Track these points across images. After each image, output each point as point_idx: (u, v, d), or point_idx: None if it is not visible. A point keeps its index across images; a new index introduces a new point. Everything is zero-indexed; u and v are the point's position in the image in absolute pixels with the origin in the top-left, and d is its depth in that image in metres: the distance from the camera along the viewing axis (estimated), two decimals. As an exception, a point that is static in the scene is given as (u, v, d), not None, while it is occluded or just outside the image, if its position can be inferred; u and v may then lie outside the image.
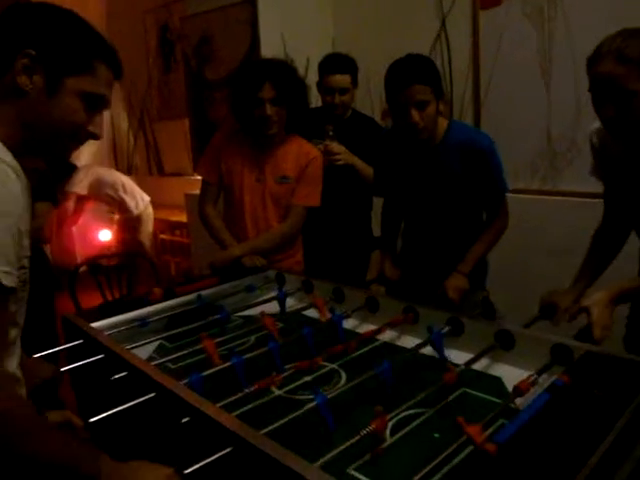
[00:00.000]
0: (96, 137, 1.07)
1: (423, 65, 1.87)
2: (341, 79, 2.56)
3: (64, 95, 0.99)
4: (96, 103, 1.05)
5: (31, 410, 0.92)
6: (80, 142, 1.07)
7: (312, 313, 1.76)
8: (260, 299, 1.91)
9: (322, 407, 1.10)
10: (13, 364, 1.03)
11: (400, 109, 1.86)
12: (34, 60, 0.96)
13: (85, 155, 5.50)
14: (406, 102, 1.83)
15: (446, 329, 1.48)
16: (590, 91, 1.45)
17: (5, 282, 0.88)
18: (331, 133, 2.53)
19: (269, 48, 3.28)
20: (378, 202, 2.73)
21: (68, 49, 0.99)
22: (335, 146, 2.52)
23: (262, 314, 1.60)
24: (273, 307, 1.81)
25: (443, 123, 1.98)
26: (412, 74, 1.83)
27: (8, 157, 0.92)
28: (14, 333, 1.02)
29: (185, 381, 1.21)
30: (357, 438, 1.00)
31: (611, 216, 1.77)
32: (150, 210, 4.94)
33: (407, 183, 2.11)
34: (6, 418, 0.85)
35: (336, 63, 2.60)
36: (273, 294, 1.90)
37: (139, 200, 4.80)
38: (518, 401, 1.17)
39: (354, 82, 2.63)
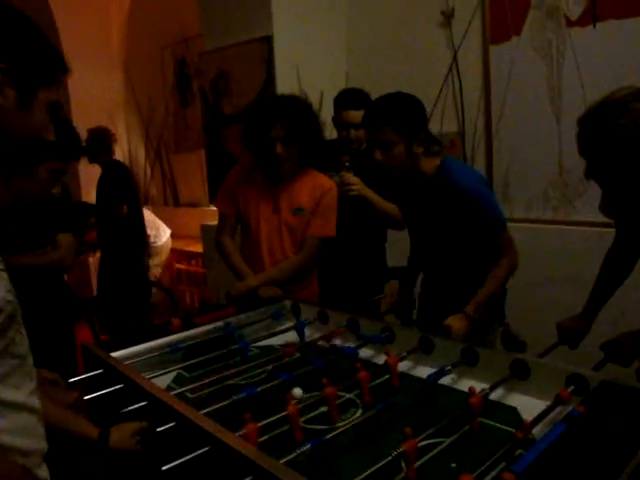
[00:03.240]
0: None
1: (389, 105, 1.88)
2: (355, 115, 2.60)
3: (36, 107, 0.99)
4: (55, 110, 1.05)
5: None
6: (39, 152, 1.09)
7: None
8: (277, 329, 1.94)
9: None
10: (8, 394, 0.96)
11: (369, 147, 1.94)
12: (5, 73, 0.94)
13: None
14: (371, 141, 1.91)
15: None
16: None
17: None
18: (347, 164, 2.57)
19: (284, 82, 3.36)
20: (392, 234, 2.77)
21: (39, 62, 0.99)
22: (350, 177, 2.56)
23: (287, 345, 1.62)
24: (289, 337, 1.83)
25: (435, 161, 1.97)
26: (374, 114, 1.89)
27: None
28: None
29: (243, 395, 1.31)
30: (388, 459, 1.02)
31: (622, 238, 1.79)
32: (169, 243, 5.05)
33: (413, 218, 2.14)
34: None
35: (350, 99, 2.65)
36: (290, 324, 1.93)
37: (161, 232, 4.93)
38: (535, 431, 1.17)
39: None
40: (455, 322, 1.84)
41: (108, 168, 4.20)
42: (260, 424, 1.16)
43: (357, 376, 1.40)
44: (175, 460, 1.06)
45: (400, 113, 1.87)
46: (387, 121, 1.85)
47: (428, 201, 2.01)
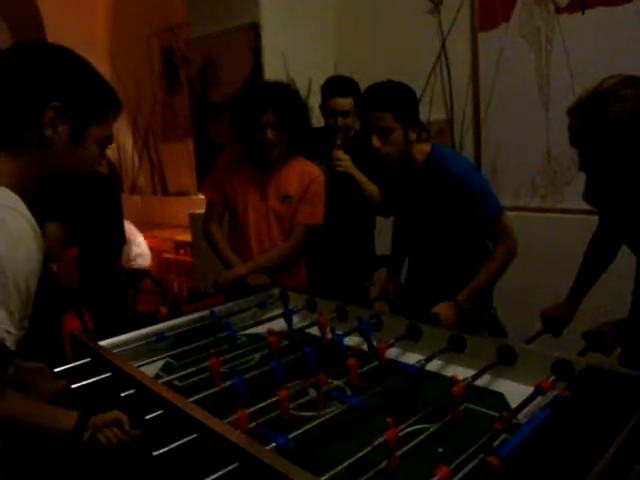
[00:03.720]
0: (102, 174, 1.13)
1: (387, 92, 1.88)
2: (343, 102, 2.60)
3: (87, 143, 1.04)
4: (106, 145, 1.11)
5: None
6: (85, 182, 1.13)
7: (316, 331, 1.78)
8: (265, 317, 1.94)
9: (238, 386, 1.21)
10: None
11: (363, 134, 1.90)
12: (59, 112, 1.00)
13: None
14: (367, 127, 1.87)
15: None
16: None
17: (8, 344, 0.89)
18: (339, 142, 2.58)
19: (272, 70, 3.34)
20: (381, 221, 2.77)
21: (91, 99, 1.04)
22: (340, 153, 2.56)
23: (269, 332, 1.62)
24: (278, 325, 1.83)
25: (425, 148, 1.98)
26: (373, 100, 1.86)
27: (28, 213, 0.94)
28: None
29: (229, 383, 1.29)
30: (369, 449, 1.02)
31: (605, 225, 1.80)
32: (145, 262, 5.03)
33: (401, 205, 2.14)
34: None
35: (338, 86, 2.64)
36: (278, 312, 1.93)
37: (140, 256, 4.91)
38: (520, 416, 1.18)
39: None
40: (443, 310, 1.85)
41: None
42: (249, 410, 1.17)
43: (346, 363, 1.41)
44: (164, 447, 1.06)
45: (399, 100, 1.87)
46: (387, 107, 1.84)
47: (419, 188, 2.01)
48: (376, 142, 1.87)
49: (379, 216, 2.78)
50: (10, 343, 0.89)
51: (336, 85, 2.66)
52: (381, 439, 1.03)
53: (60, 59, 1.03)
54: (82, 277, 4.29)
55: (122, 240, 4.27)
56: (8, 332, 0.89)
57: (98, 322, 3.46)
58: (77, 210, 4.21)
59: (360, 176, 2.59)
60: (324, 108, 2.68)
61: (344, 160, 2.55)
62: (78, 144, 1.03)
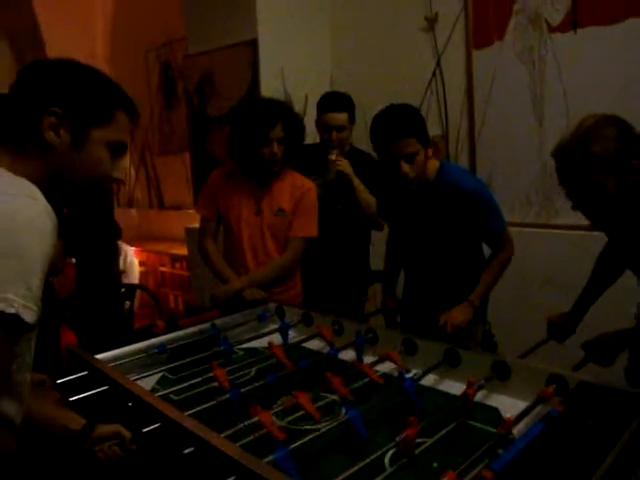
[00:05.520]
0: (120, 182, 1.13)
1: (406, 117, 1.88)
2: (338, 117, 2.64)
3: (90, 146, 1.05)
4: (119, 150, 1.10)
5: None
6: (105, 189, 1.13)
7: (312, 345, 1.79)
8: (261, 331, 1.94)
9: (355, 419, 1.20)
10: (12, 409, 0.97)
11: (389, 163, 1.89)
12: (60, 117, 1.02)
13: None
14: (394, 156, 1.86)
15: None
16: None
17: (26, 318, 0.88)
18: (334, 144, 2.64)
19: (269, 86, 3.36)
20: (376, 236, 2.79)
21: (90, 102, 1.05)
22: (336, 154, 2.62)
23: (270, 345, 1.63)
24: (274, 339, 1.84)
25: (434, 164, 2.00)
26: (397, 129, 1.85)
27: (43, 199, 0.95)
28: (19, 377, 0.98)
29: (227, 396, 1.32)
30: (393, 444, 1.09)
31: (613, 242, 1.82)
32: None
33: (404, 220, 2.16)
34: None
35: (333, 101, 2.68)
36: (274, 326, 1.93)
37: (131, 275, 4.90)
38: (515, 430, 1.19)
39: (351, 119, 2.71)
40: (460, 313, 1.92)
41: None
42: (245, 423, 1.18)
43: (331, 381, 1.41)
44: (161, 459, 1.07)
45: (417, 122, 1.89)
46: (410, 133, 1.85)
47: (429, 202, 2.03)
48: (406, 168, 1.87)
49: (373, 230, 2.80)
50: (28, 317, 0.89)
51: (331, 100, 2.70)
52: (402, 435, 1.08)
53: (60, 67, 1.07)
54: (80, 289, 4.28)
55: (115, 249, 4.27)
56: (26, 307, 0.88)
57: (92, 335, 3.45)
58: (74, 220, 4.23)
59: (357, 182, 2.63)
60: (319, 123, 2.71)
61: (342, 161, 2.60)
62: (80, 148, 1.04)
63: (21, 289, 0.87)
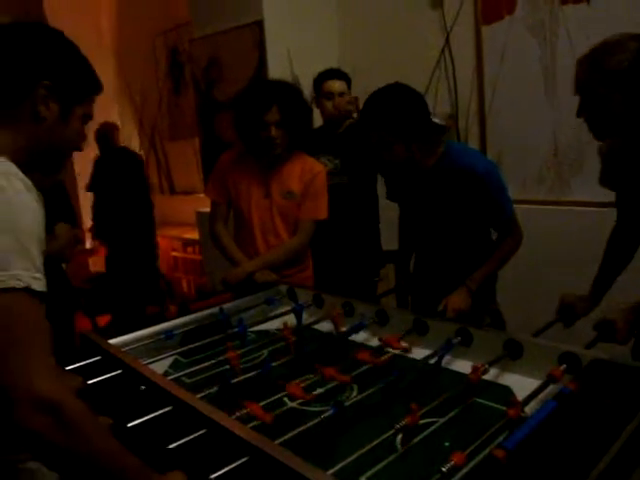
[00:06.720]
0: (81, 149, 1.19)
1: (381, 110, 1.86)
2: (338, 83, 2.76)
3: (73, 120, 1.12)
4: (87, 121, 1.17)
5: (87, 408, 0.91)
6: (70, 156, 1.20)
7: (324, 327, 1.80)
8: (273, 313, 1.95)
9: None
10: None
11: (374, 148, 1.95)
12: (50, 90, 1.06)
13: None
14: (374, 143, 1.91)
15: (457, 340, 1.52)
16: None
17: (36, 287, 0.91)
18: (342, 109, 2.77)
19: (276, 69, 3.35)
20: (388, 216, 2.77)
21: (77, 81, 1.11)
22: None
23: (285, 326, 1.64)
24: (287, 321, 1.84)
25: (438, 150, 1.98)
26: (369, 120, 1.88)
27: (20, 173, 0.98)
28: None
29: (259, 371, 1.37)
30: (392, 432, 1.07)
31: (624, 221, 1.79)
32: None
33: (409, 202, 2.15)
34: (62, 409, 0.85)
35: (330, 71, 2.82)
36: (286, 308, 1.94)
37: None
38: (527, 408, 1.19)
39: (349, 88, 2.83)
40: (457, 300, 1.90)
41: (119, 156, 4.62)
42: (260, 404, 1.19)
43: (357, 356, 1.43)
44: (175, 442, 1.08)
45: (391, 116, 1.84)
46: (379, 127, 1.85)
47: (432, 187, 2.01)
48: (386, 156, 1.92)
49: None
50: (37, 285, 0.91)
51: (328, 71, 2.83)
52: (403, 422, 1.07)
53: (53, 41, 1.10)
54: (111, 269, 4.45)
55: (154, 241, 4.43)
56: (34, 278, 0.91)
57: (121, 321, 3.50)
58: (107, 206, 4.38)
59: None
60: (320, 93, 2.80)
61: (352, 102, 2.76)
62: (65, 122, 1.10)
63: (24, 262, 0.90)
